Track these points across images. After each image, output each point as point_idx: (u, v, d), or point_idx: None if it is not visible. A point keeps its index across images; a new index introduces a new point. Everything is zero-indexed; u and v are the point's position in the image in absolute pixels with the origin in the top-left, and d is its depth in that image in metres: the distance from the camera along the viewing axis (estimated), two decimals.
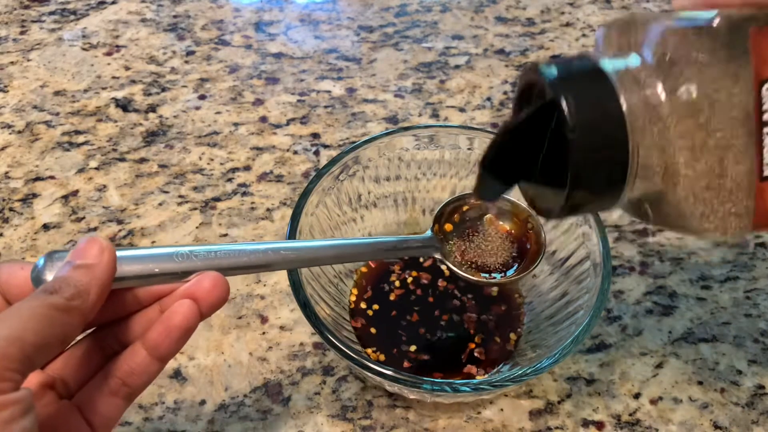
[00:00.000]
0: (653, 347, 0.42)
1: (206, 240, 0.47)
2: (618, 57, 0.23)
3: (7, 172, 0.52)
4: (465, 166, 0.43)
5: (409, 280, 0.43)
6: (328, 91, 0.58)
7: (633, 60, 0.23)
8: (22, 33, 0.64)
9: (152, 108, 0.57)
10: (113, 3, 0.68)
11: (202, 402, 0.39)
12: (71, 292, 0.23)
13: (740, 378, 0.40)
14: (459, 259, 0.36)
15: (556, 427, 0.38)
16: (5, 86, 0.59)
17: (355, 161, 0.41)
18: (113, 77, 0.60)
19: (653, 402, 0.39)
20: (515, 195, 0.31)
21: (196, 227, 0.48)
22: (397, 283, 0.42)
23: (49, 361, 0.27)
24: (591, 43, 0.63)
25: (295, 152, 0.53)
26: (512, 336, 0.40)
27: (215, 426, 0.38)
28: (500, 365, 0.39)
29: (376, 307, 0.41)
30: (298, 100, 0.57)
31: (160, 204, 0.50)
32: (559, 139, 0.23)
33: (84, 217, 0.49)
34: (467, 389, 0.32)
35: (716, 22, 0.22)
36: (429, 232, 0.36)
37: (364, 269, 0.44)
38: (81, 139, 0.54)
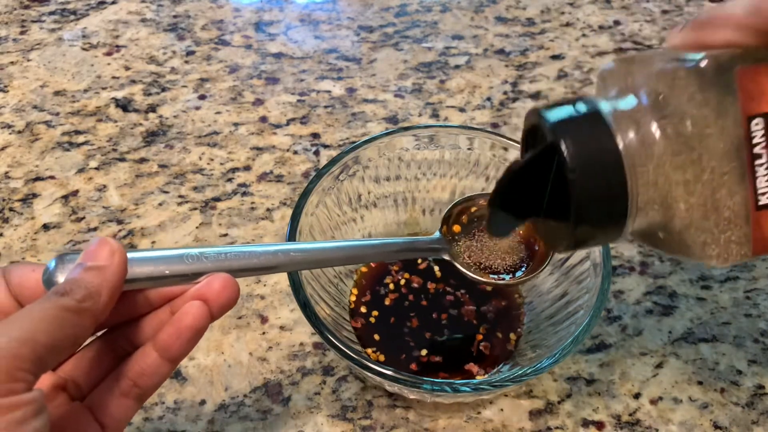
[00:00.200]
0: (653, 347, 0.42)
1: (206, 240, 0.47)
2: (615, 98, 0.25)
3: (7, 172, 0.52)
4: (465, 166, 0.43)
5: (403, 282, 0.43)
6: (328, 91, 0.58)
7: (629, 101, 0.24)
8: (22, 33, 0.64)
9: (152, 108, 0.57)
10: (113, 3, 0.68)
11: (202, 402, 0.39)
12: (82, 293, 0.23)
13: (740, 378, 0.40)
14: (467, 260, 0.36)
15: (556, 427, 0.38)
16: (5, 86, 0.59)
17: (355, 161, 0.41)
18: (113, 77, 0.60)
19: (653, 402, 0.39)
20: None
21: (196, 227, 0.48)
22: (391, 286, 0.42)
23: (61, 363, 0.27)
24: (591, 43, 0.63)
25: (295, 152, 0.53)
26: (512, 336, 0.40)
27: (215, 426, 0.38)
28: (500, 365, 0.39)
29: (376, 313, 0.41)
30: (298, 100, 0.57)
31: (160, 204, 0.50)
32: (562, 179, 0.24)
33: (84, 217, 0.49)
34: (467, 389, 0.32)
35: (704, 63, 0.23)
36: (438, 234, 0.36)
37: (364, 269, 0.44)
38: (81, 139, 0.54)
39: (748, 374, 0.41)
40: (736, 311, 0.43)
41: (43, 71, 0.60)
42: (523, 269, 0.36)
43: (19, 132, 0.55)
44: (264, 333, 0.42)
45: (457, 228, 0.37)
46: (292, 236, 0.37)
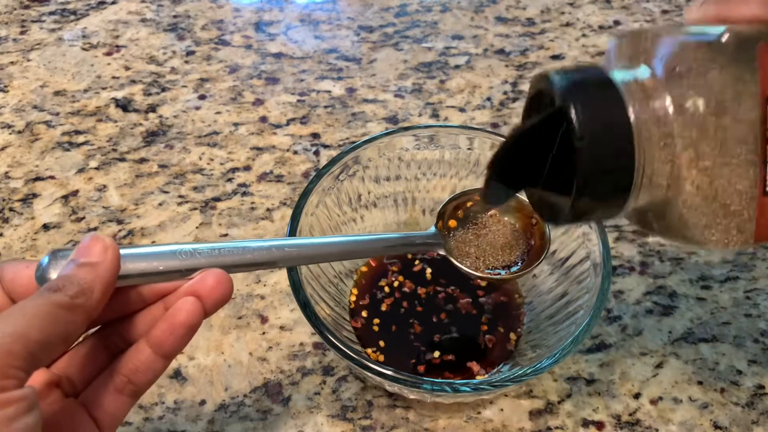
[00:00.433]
0: (653, 347, 0.42)
1: (206, 240, 0.47)
2: (628, 68, 0.24)
3: (7, 172, 0.52)
4: (465, 166, 0.43)
5: (401, 282, 0.43)
6: (328, 91, 0.58)
7: (642, 72, 0.23)
8: (22, 33, 0.64)
9: (152, 108, 0.57)
10: (113, 3, 0.68)
11: (202, 402, 0.39)
12: (75, 290, 0.23)
13: (740, 378, 0.40)
14: (463, 255, 0.36)
15: (556, 427, 0.38)
16: (5, 86, 0.59)
17: (355, 161, 0.41)
18: (113, 77, 0.60)
19: (653, 402, 0.39)
20: (520, 192, 0.32)
21: (196, 227, 0.48)
22: (395, 284, 0.42)
23: (55, 360, 0.27)
24: (591, 43, 0.63)
25: (295, 152, 0.53)
26: (512, 336, 0.40)
27: (215, 426, 0.38)
28: (500, 365, 0.39)
29: (377, 321, 0.41)
30: (298, 100, 0.57)
31: (160, 204, 0.50)
32: (567, 147, 0.23)
33: (84, 217, 0.49)
34: (467, 389, 0.32)
35: (725, 37, 0.22)
36: (433, 228, 0.36)
37: (364, 269, 0.44)
38: (81, 139, 0.54)
39: (748, 374, 0.41)
40: (736, 311, 0.43)
41: (43, 71, 0.60)
42: (519, 265, 0.36)
43: (19, 132, 0.55)
44: (264, 333, 0.42)
45: (452, 223, 0.37)
46: (292, 236, 0.37)
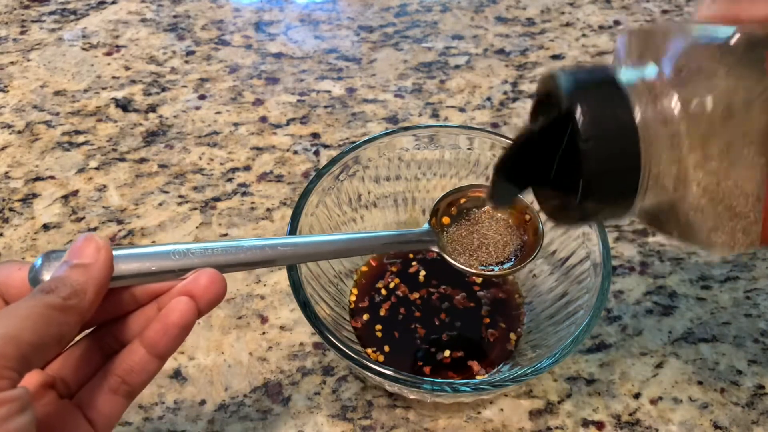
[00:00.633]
0: (653, 347, 0.42)
1: (206, 240, 0.47)
2: (635, 68, 0.24)
3: (7, 172, 0.52)
4: (465, 166, 0.43)
5: (393, 287, 0.43)
6: (328, 91, 0.58)
7: (650, 71, 0.23)
8: (22, 33, 0.64)
9: (152, 108, 0.57)
10: (113, 3, 0.68)
11: (202, 402, 0.39)
12: (68, 291, 0.23)
13: (740, 378, 0.40)
14: (457, 252, 0.36)
15: (556, 427, 0.38)
16: (5, 86, 0.59)
17: (355, 161, 0.41)
18: (113, 77, 0.60)
19: (653, 402, 0.39)
20: (526, 192, 0.32)
21: (196, 227, 0.48)
22: (383, 291, 0.42)
23: (49, 361, 0.27)
24: (591, 43, 0.63)
25: (295, 152, 0.53)
26: (512, 336, 0.40)
27: (215, 426, 0.38)
28: (500, 365, 0.39)
29: (379, 326, 0.41)
30: (298, 100, 0.57)
31: (160, 204, 0.50)
32: (573, 148, 0.23)
33: (84, 217, 0.49)
34: (467, 389, 0.32)
35: (735, 38, 0.22)
36: (426, 226, 0.36)
37: (364, 269, 0.44)
38: (81, 139, 0.54)
39: (748, 374, 0.41)
40: (736, 311, 0.43)
41: (43, 71, 0.60)
42: (513, 261, 0.36)
43: (19, 132, 0.55)
44: (264, 333, 0.42)
45: (446, 220, 0.37)
46: (290, 236, 0.37)
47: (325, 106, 0.57)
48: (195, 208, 0.49)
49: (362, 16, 0.66)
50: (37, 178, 0.52)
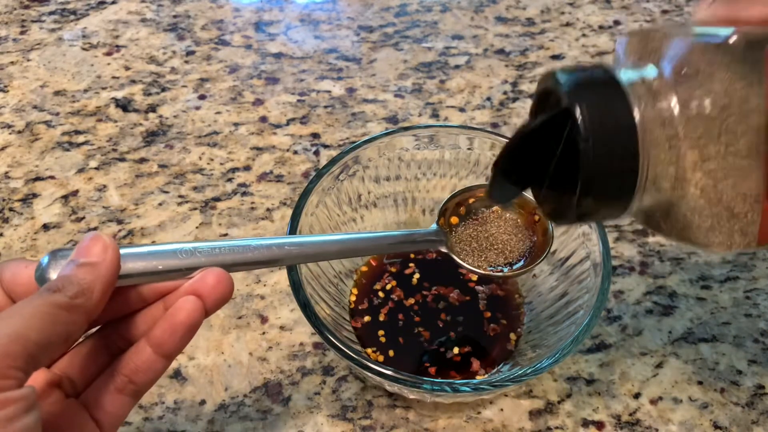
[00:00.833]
0: (653, 347, 0.42)
1: (207, 240, 0.47)
2: (635, 68, 0.24)
3: (7, 172, 0.52)
4: (465, 166, 0.43)
5: (390, 288, 0.43)
6: (328, 91, 0.58)
7: (649, 72, 0.23)
8: (22, 33, 0.64)
9: (152, 108, 0.57)
10: (113, 3, 0.68)
11: (202, 402, 0.39)
12: (75, 290, 0.23)
13: (740, 378, 0.40)
14: (465, 252, 0.36)
15: (556, 427, 0.38)
16: (5, 86, 0.59)
17: (355, 161, 0.41)
18: (113, 77, 0.60)
19: (653, 402, 0.39)
20: (525, 191, 0.31)
21: (196, 227, 0.48)
22: (381, 294, 0.42)
23: (55, 360, 0.27)
24: (591, 43, 0.63)
25: (295, 152, 0.53)
26: (512, 336, 0.40)
27: (215, 426, 0.38)
28: (500, 365, 0.39)
29: (382, 332, 0.41)
30: (298, 100, 0.57)
31: (160, 204, 0.50)
32: (572, 147, 0.23)
33: (84, 217, 0.49)
34: (467, 389, 0.32)
35: (733, 39, 0.22)
36: (434, 226, 0.36)
37: (364, 269, 0.44)
38: (81, 139, 0.54)
39: (748, 374, 0.41)
40: (736, 311, 0.43)
41: (43, 71, 0.60)
42: (522, 262, 0.36)
43: (19, 132, 0.55)
44: (264, 333, 0.42)
45: (454, 220, 0.37)
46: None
47: (325, 106, 0.57)
48: (195, 208, 0.49)
49: (362, 16, 0.66)
50: (37, 178, 0.52)
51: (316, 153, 0.53)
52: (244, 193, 0.50)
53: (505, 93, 0.58)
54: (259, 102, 0.57)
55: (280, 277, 0.45)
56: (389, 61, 0.61)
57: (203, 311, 0.26)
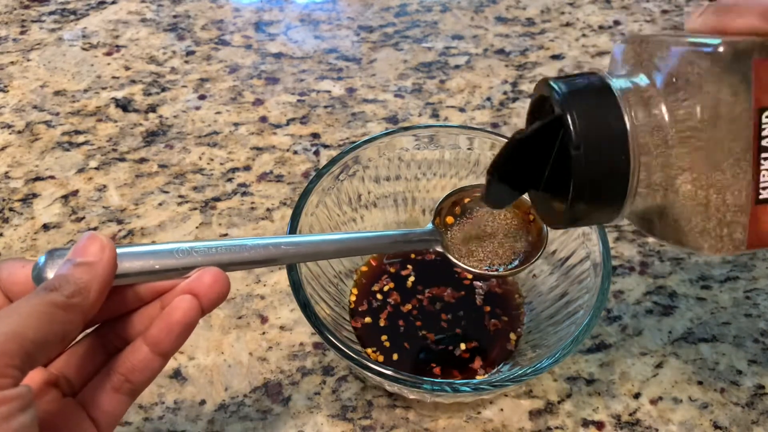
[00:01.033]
0: (653, 347, 0.42)
1: (209, 239, 0.47)
2: (628, 76, 0.24)
3: (7, 172, 0.52)
4: (465, 166, 0.43)
5: (387, 290, 0.43)
6: (328, 91, 0.58)
7: (641, 80, 0.24)
8: (22, 33, 0.64)
9: (152, 108, 0.57)
10: (113, 3, 0.68)
11: (202, 402, 0.39)
12: (71, 289, 0.23)
13: (740, 378, 0.40)
14: (460, 252, 0.36)
15: (556, 427, 0.38)
16: (5, 86, 0.59)
17: (355, 161, 0.41)
18: (113, 77, 0.60)
19: (653, 402, 0.39)
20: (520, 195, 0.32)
21: (196, 227, 0.48)
22: (379, 296, 0.42)
23: (52, 359, 0.27)
24: (591, 43, 0.63)
25: (295, 152, 0.53)
26: (512, 336, 0.40)
27: (215, 426, 0.38)
28: (500, 365, 0.39)
29: (385, 337, 0.41)
30: (298, 100, 0.57)
31: (160, 204, 0.50)
32: (565, 153, 0.24)
33: (84, 217, 0.49)
34: (467, 389, 0.32)
35: (721, 48, 0.22)
36: (430, 225, 0.36)
37: (364, 269, 0.44)
38: (81, 139, 0.54)
39: (748, 374, 0.41)
40: (736, 311, 0.43)
41: (43, 71, 0.60)
42: (516, 262, 0.36)
43: (19, 132, 0.55)
44: (264, 333, 0.42)
45: (450, 220, 0.37)
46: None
47: (325, 106, 0.57)
48: (195, 208, 0.49)
49: (362, 16, 0.66)
50: (37, 178, 0.52)
51: (316, 153, 0.53)
52: (244, 193, 0.50)
53: (505, 93, 0.58)
54: (259, 102, 0.57)
55: (280, 277, 0.45)
56: (389, 61, 0.61)
57: (199, 310, 0.26)
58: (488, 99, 0.58)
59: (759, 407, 0.39)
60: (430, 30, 0.64)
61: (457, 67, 0.61)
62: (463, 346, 0.40)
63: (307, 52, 0.62)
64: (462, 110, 0.57)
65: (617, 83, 0.24)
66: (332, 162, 0.40)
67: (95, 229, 0.48)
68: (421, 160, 0.43)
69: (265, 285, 0.45)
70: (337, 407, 0.39)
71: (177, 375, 0.40)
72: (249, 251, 0.28)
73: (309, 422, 0.39)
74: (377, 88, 0.58)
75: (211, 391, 0.40)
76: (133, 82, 0.59)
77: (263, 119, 0.56)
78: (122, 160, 0.53)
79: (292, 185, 0.51)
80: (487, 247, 0.36)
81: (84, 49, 0.63)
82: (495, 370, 0.39)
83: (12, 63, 0.61)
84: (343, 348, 0.32)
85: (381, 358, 0.39)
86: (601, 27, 0.65)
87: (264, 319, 0.43)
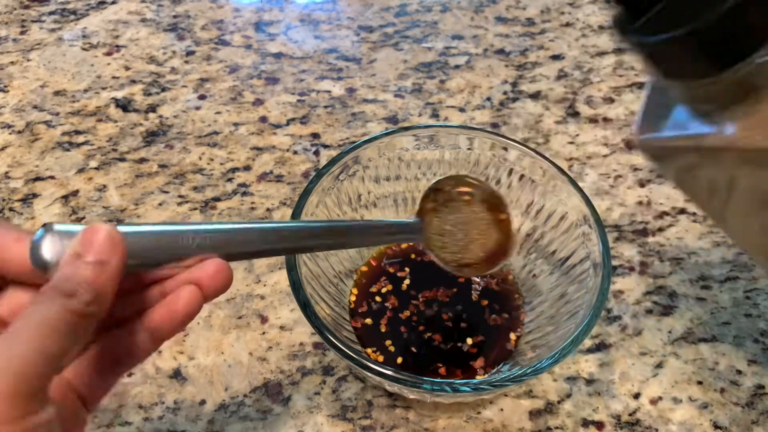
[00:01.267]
0: (653, 347, 0.42)
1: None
2: None
3: (7, 172, 0.52)
4: (465, 166, 0.43)
5: (386, 292, 0.43)
6: (328, 91, 0.58)
7: None
8: (22, 33, 0.64)
9: (152, 108, 0.57)
10: (113, 3, 0.68)
11: (202, 402, 0.39)
12: (89, 297, 0.22)
13: (740, 378, 0.40)
14: (437, 246, 0.35)
15: (556, 427, 0.38)
16: (5, 86, 0.59)
17: (355, 161, 0.41)
18: (113, 77, 0.60)
19: (653, 402, 0.39)
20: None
21: None
22: (378, 298, 0.42)
23: None
24: (591, 43, 0.63)
25: (295, 152, 0.53)
26: (512, 336, 0.40)
27: (215, 426, 0.38)
28: (500, 365, 0.39)
29: (389, 342, 0.41)
30: (298, 100, 0.57)
31: (160, 204, 0.50)
32: None
33: (84, 217, 0.49)
34: (467, 389, 0.32)
35: None
36: (413, 218, 0.35)
37: (364, 269, 0.44)
38: (81, 139, 0.54)
39: (748, 374, 0.41)
40: (736, 311, 0.44)
41: (43, 71, 0.60)
42: (490, 260, 0.36)
43: (19, 132, 0.55)
44: (264, 333, 0.42)
45: (431, 213, 0.36)
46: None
47: (325, 106, 0.57)
48: (195, 208, 0.49)
49: (362, 16, 0.66)
50: (37, 178, 0.52)
51: (316, 153, 0.53)
52: (244, 193, 0.50)
53: (505, 93, 0.58)
54: (259, 102, 0.57)
55: (280, 277, 0.45)
56: (389, 61, 0.61)
57: (202, 300, 0.26)
58: (488, 99, 0.58)
59: (759, 407, 0.39)
60: (430, 30, 0.64)
61: (457, 67, 0.61)
62: (469, 341, 0.40)
63: (307, 52, 0.62)
64: (462, 110, 0.57)
65: None
66: (332, 162, 0.40)
67: None
68: (421, 160, 0.43)
69: (265, 285, 0.45)
70: (337, 407, 0.39)
71: (177, 375, 0.40)
72: (247, 234, 0.27)
73: (309, 422, 0.39)
74: (377, 88, 0.58)
75: (211, 391, 0.40)
76: (133, 82, 0.59)
77: (263, 119, 0.56)
78: (122, 160, 0.53)
79: (292, 185, 0.51)
80: (461, 244, 0.36)
81: (84, 49, 0.63)
82: (495, 370, 0.39)
83: (12, 63, 0.61)
84: (343, 348, 0.32)
85: (381, 358, 0.39)
86: (601, 27, 0.65)
87: (264, 319, 0.43)
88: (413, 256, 0.44)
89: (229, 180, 0.51)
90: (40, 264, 0.23)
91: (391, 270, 0.43)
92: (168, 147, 0.54)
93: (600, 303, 0.34)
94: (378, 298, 0.42)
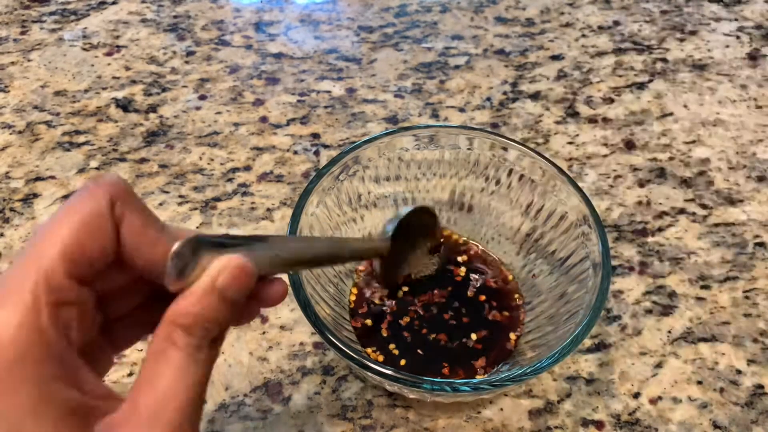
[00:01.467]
0: (653, 347, 0.42)
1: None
2: None
3: (7, 172, 0.52)
4: (465, 166, 0.43)
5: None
6: (328, 91, 0.58)
7: None
8: (22, 33, 0.64)
9: (152, 108, 0.57)
10: (114, 3, 0.68)
11: None
12: (217, 334, 0.24)
13: (740, 378, 0.40)
14: (395, 261, 0.38)
15: (556, 427, 0.39)
16: (6, 86, 0.59)
17: (355, 161, 0.41)
18: (113, 77, 0.60)
19: (653, 402, 0.40)
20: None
21: (197, 227, 0.48)
22: (377, 301, 0.42)
23: (106, 282, 0.24)
24: (590, 43, 0.63)
25: (295, 152, 0.53)
26: (512, 336, 0.40)
27: (215, 426, 0.38)
28: (500, 365, 0.39)
29: (393, 345, 0.40)
30: (298, 100, 0.57)
31: (160, 204, 0.50)
32: None
33: None
34: (467, 389, 0.32)
35: None
36: (389, 230, 0.37)
37: (363, 268, 0.44)
38: (81, 139, 0.55)
39: (748, 374, 0.41)
40: (736, 311, 0.44)
41: (44, 71, 0.60)
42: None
43: (20, 132, 0.55)
44: (264, 333, 0.42)
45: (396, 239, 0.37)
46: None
47: (325, 107, 0.57)
48: (195, 208, 0.49)
49: (362, 17, 0.66)
50: (38, 178, 0.52)
51: (316, 153, 0.53)
52: (244, 193, 0.50)
53: (504, 93, 0.58)
54: (259, 102, 0.57)
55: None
56: (389, 62, 0.61)
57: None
58: (488, 99, 0.58)
59: (758, 407, 0.39)
60: (429, 30, 0.65)
61: (456, 67, 0.61)
62: (474, 336, 0.40)
63: (307, 53, 0.62)
64: (462, 110, 0.57)
65: None
66: (332, 162, 0.40)
67: None
68: (421, 160, 0.43)
69: None
70: (337, 407, 0.39)
71: None
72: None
73: (309, 422, 0.39)
74: (377, 89, 0.58)
75: (211, 390, 0.40)
76: (134, 82, 0.59)
77: (263, 119, 0.56)
78: (123, 160, 0.53)
79: (292, 185, 0.51)
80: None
81: (84, 49, 0.63)
82: (495, 369, 0.39)
83: (12, 63, 0.61)
84: (343, 348, 0.32)
85: (381, 358, 0.39)
86: (600, 27, 0.65)
87: (264, 319, 0.43)
88: None
89: (230, 180, 0.51)
90: (176, 274, 0.22)
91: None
92: (168, 147, 0.54)
93: (600, 303, 0.34)
94: (377, 301, 0.42)
